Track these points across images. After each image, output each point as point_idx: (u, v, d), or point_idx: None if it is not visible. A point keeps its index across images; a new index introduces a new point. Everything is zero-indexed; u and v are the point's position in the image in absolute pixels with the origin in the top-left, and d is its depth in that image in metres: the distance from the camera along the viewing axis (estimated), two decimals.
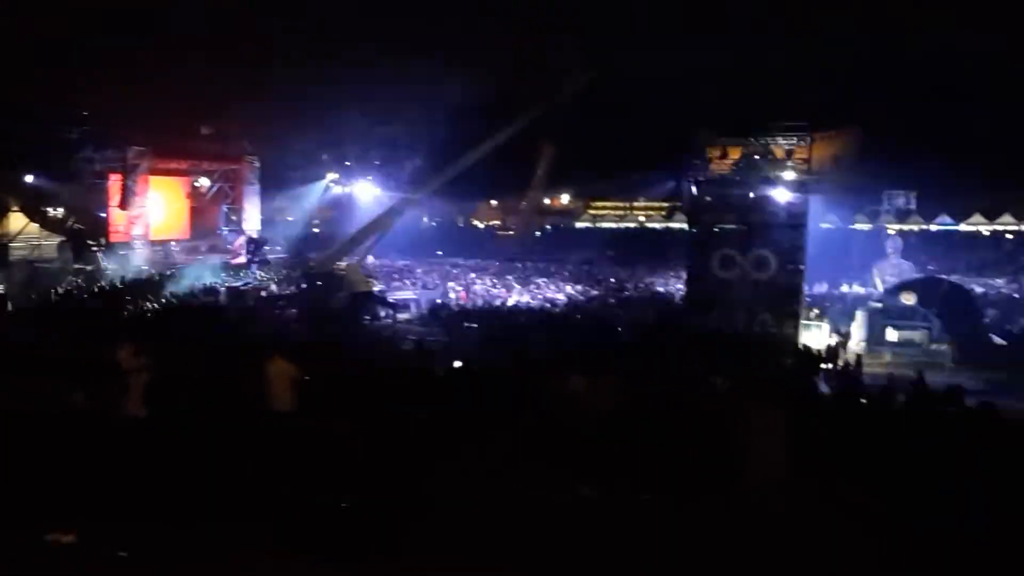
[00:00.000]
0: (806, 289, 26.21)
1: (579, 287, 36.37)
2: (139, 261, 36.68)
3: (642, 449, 8.69)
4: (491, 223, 66.33)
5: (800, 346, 22.84)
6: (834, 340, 23.37)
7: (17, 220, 35.71)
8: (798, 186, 24.25)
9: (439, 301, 31.03)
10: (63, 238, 36.93)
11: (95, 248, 36.28)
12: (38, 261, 35.08)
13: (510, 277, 39.08)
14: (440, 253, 49.52)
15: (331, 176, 48.47)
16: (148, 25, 39.38)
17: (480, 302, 31.69)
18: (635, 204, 64.42)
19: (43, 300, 28.29)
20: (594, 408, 9.60)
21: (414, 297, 32.05)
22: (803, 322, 24.10)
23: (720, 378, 11.28)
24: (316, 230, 50.14)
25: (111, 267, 35.03)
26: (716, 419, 8.69)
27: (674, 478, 8.20)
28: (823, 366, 21.51)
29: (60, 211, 38.20)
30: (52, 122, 37.17)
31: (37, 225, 36.53)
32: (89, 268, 34.47)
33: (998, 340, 25.09)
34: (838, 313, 27.49)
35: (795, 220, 23.91)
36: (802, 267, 24.16)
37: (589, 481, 8.36)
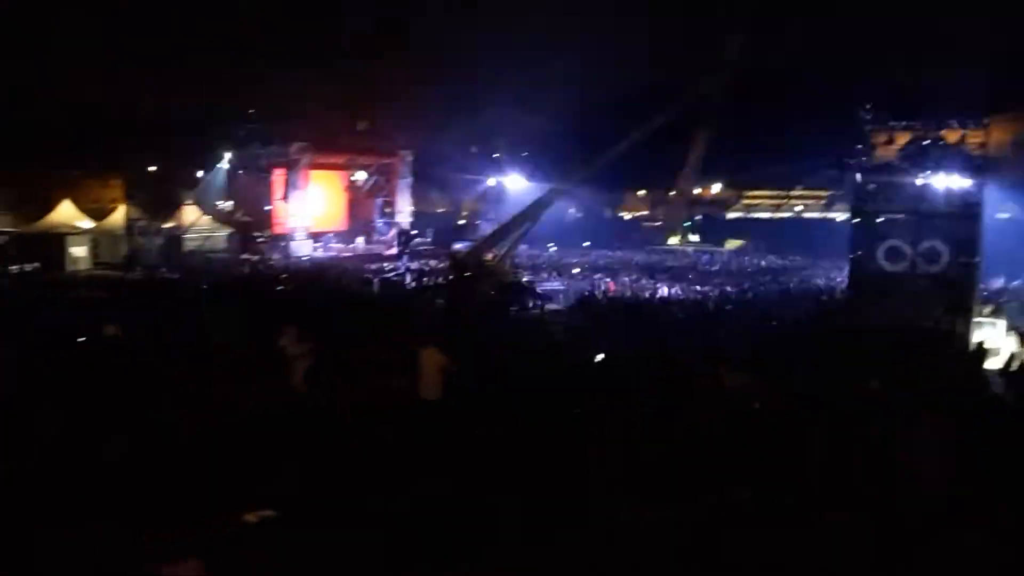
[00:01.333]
0: (981, 284, 24.41)
1: (731, 280, 35.32)
2: (301, 251, 38.51)
3: (791, 451, 8.26)
4: (638, 214, 65.54)
5: (973, 345, 21.32)
6: (1013, 339, 21.62)
7: (190, 212, 38.14)
8: (973, 173, 22.56)
9: (587, 292, 30.85)
10: (231, 230, 39.19)
11: (260, 239, 38.32)
12: (209, 251, 37.37)
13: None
14: (587, 244, 49.31)
15: (481, 169, 49.18)
16: (306, 25, 41.15)
17: (628, 293, 31.29)
18: (792, 193, 62.06)
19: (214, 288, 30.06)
20: (744, 405, 9.26)
21: (562, 288, 32.00)
22: (977, 320, 22.45)
23: (878, 380, 10.57)
24: (464, 222, 51.02)
25: (275, 257, 36.88)
26: (872, 425, 8.16)
27: (820, 484, 7.75)
28: (999, 367, 20.02)
29: (229, 204, 40.59)
30: (225, 120, 39.53)
31: (208, 217, 38.92)
32: (255, 258, 36.44)
33: None
34: (1016, 310, 25.46)
35: (969, 210, 22.27)
36: (977, 260, 22.49)
37: (740, 481, 8.03)
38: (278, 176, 39.88)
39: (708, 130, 39.76)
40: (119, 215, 36.89)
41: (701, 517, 7.38)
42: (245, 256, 36.84)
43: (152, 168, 37.77)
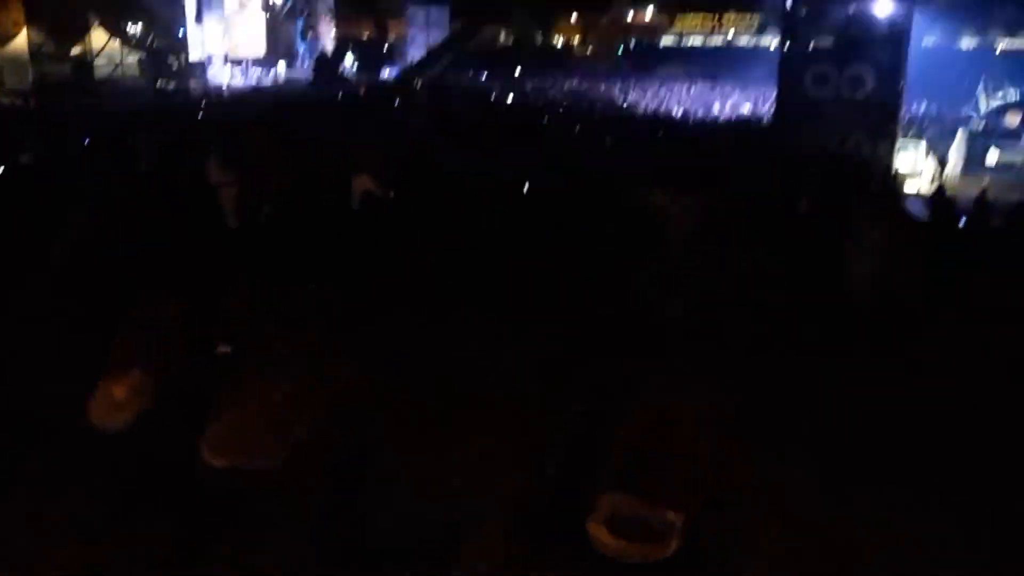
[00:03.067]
0: (903, 108, 24.96)
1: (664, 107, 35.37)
2: (219, 79, 36.90)
3: (729, 270, 8.53)
4: (571, 40, 64.00)
5: (892, 169, 22.08)
6: (931, 162, 22.41)
7: (99, 37, 35.90)
8: None
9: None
10: (144, 55, 37.18)
11: (175, 66, 36.53)
12: (119, 79, 35.55)
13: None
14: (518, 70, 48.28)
15: None
16: None
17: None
18: (723, 17, 61.08)
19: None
20: (678, 227, 9.47)
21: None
22: (898, 144, 23.13)
23: (807, 199, 10.93)
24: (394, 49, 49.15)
25: (192, 84, 35.35)
26: (808, 239, 8.46)
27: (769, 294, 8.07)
28: (915, 190, 20.86)
29: (140, 27, 38.25)
30: None
31: (118, 43, 36.74)
32: (170, 87, 34.87)
33: None
34: (937, 134, 26.25)
35: (895, 35, 22.48)
36: (901, 85, 22.90)
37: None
38: None
39: None
40: (21, 40, 34.49)
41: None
42: (160, 83, 35.16)
43: None
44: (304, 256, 8.41)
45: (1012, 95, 35.38)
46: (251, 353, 4.19)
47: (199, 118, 26.29)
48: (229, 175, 11.38)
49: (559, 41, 63.57)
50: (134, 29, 37.94)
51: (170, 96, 33.55)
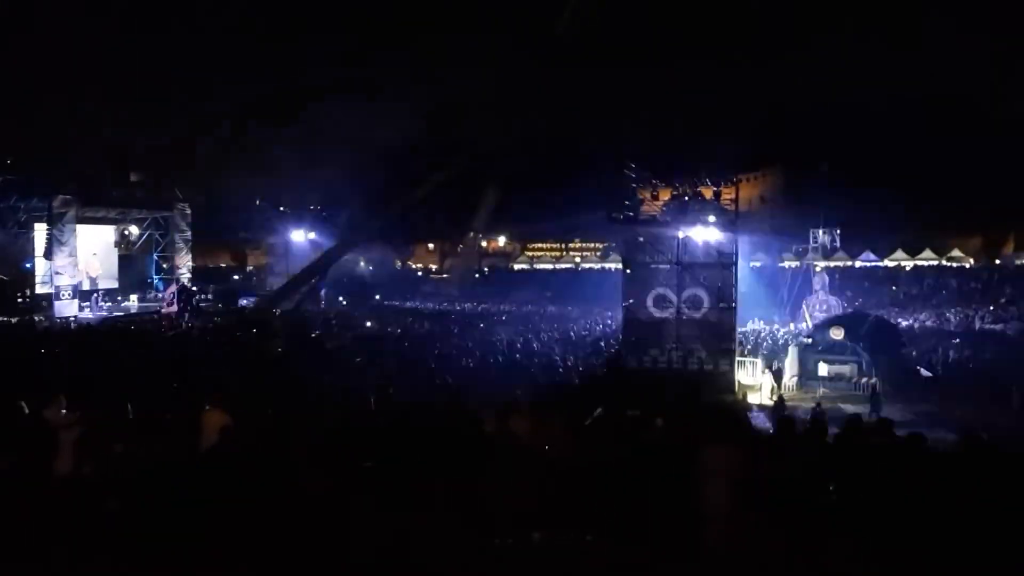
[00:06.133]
0: (739, 326, 26.76)
1: (519, 328, 36.45)
2: (66, 312, 35.67)
3: (587, 491, 8.69)
4: (428, 265, 66.34)
5: (736, 382, 23.39)
6: (767, 377, 23.87)
7: None
8: (727, 225, 24.88)
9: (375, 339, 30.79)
10: None
11: (20, 300, 35.25)
12: None
13: (450, 319, 39.09)
14: (378, 297, 49.20)
15: (267, 223, 48.05)
16: (73, 67, 38.80)
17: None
18: (571, 245, 65.28)
19: None
20: (537, 450, 9.61)
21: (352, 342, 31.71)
22: (738, 359, 24.60)
23: (661, 418, 11.40)
24: (252, 278, 49.51)
25: (37, 319, 34.01)
26: (660, 458, 8.77)
27: (619, 519, 8.22)
28: (758, 402, 22.04)
29: None
30: None
31: None
32: (14, 321, 33.40)
33: (925, 372, 25.91)
34: (771, 349, 28.13)
35: (725, 259, 24.56)
36: (734, 304, 24.75)
37: (537, 525, 8.32)
38: (39, 231, 36.78)
39: (495, 185, 41.27)
40: None
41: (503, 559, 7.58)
42: (2, 319, 33.62)
43: None
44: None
45: (835, 308, 38.80)
46: None
47: (41, 352, 25.17)
48: (70, 417, 10.81)
49: (417, 266, 65.86)
50: None
51: (12, 329, 32.08)
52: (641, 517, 8.32)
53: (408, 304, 46.87)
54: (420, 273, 64.09)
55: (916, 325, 38.34)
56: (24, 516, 8.13)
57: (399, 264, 64.75)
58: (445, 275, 60.42)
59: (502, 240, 65.06)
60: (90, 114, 38.60)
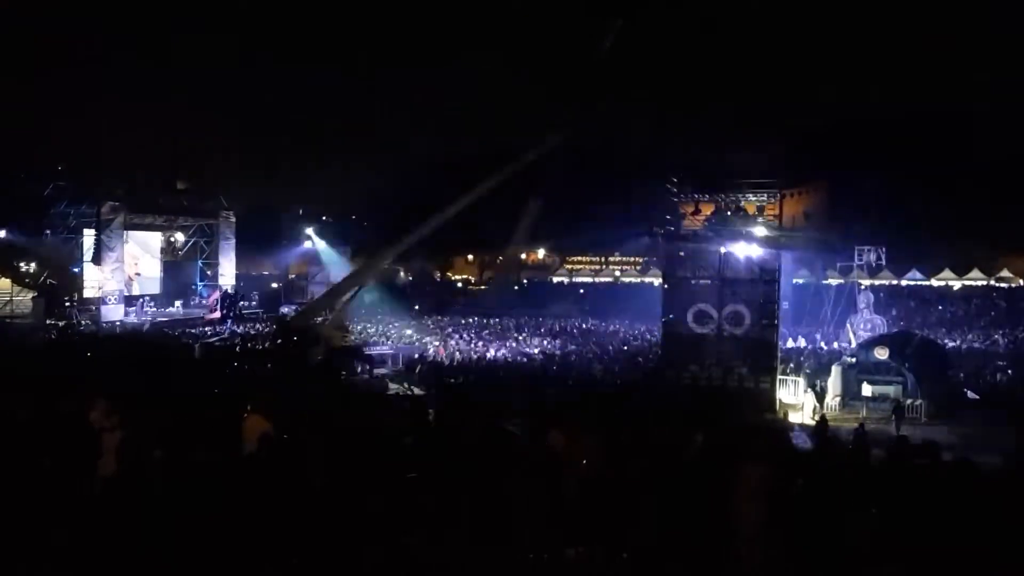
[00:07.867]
0: (781, 344, 26.36)
1: (557, 341, 36.34)
2: (113, 316, 36.34)
3: (623, 507, 8.59)
4: (467, 277, 66.50)
5: (777, 401, 23.03)
6: (810, 396, 23.48)
7: None
8: (770, 241, 24.55)
9: (416, 356, 30.88)
10: (36, 294, 36.58)
11: (68, 304, 35.97)
12: (9, 317, 34.66)
13: (487, 332, 39.08)
14: (416, 308, 49.35)
15: (309, 231, 48.55)
16: (124, 77, 39.64)
17: (458, 356, 31.59)
18: (611, 259, 64.99)
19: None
20: (573, 466, 9.53)
21: (391, 352, 31.84)
22: (779, 377, 24.21)
23: (700, 434, 11.26)
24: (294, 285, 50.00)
25: (84, 322, 34.67)
26: (697, 475, 8.64)
27: (655, 536, 8.11)
28: (799, 421, 21.68)
29: (33, 266, 37.96)
30: (24, 176, 37.09)
31: (9, 280, 36.22)
32: (61, 324, 34.08)
33: (971, 395, 25.31)
34: (813, 368, 27.64)
35: (768, 275, 24.17)
36: (776, 322, 24.35)
37: (571, 542, 8.24)
38: (88, 236, 37.56)
39: (537, 197, 41.12)
40: None
41: None
42: (51, 322, 34.33)
43: None
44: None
45: (879, 327, 38.02)
46: None
47: (87, 356, 25.61)
48: (113, 420, 10.93)
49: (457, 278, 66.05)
50: (27, 268, 37.65)
51: (61, 333, 32.70)
52: (677, 534, 8.21)
53: (446, 316, 46.87)
54: (460, 284, 64.31)
55: (963, 346, 37.47)
56: (65, 518, 8.24)
57: (438, 275, 64.99)
58: (483, 287, 60.51)
59: (541, 252, 64.96)
60: (139, 122, 39.37)
